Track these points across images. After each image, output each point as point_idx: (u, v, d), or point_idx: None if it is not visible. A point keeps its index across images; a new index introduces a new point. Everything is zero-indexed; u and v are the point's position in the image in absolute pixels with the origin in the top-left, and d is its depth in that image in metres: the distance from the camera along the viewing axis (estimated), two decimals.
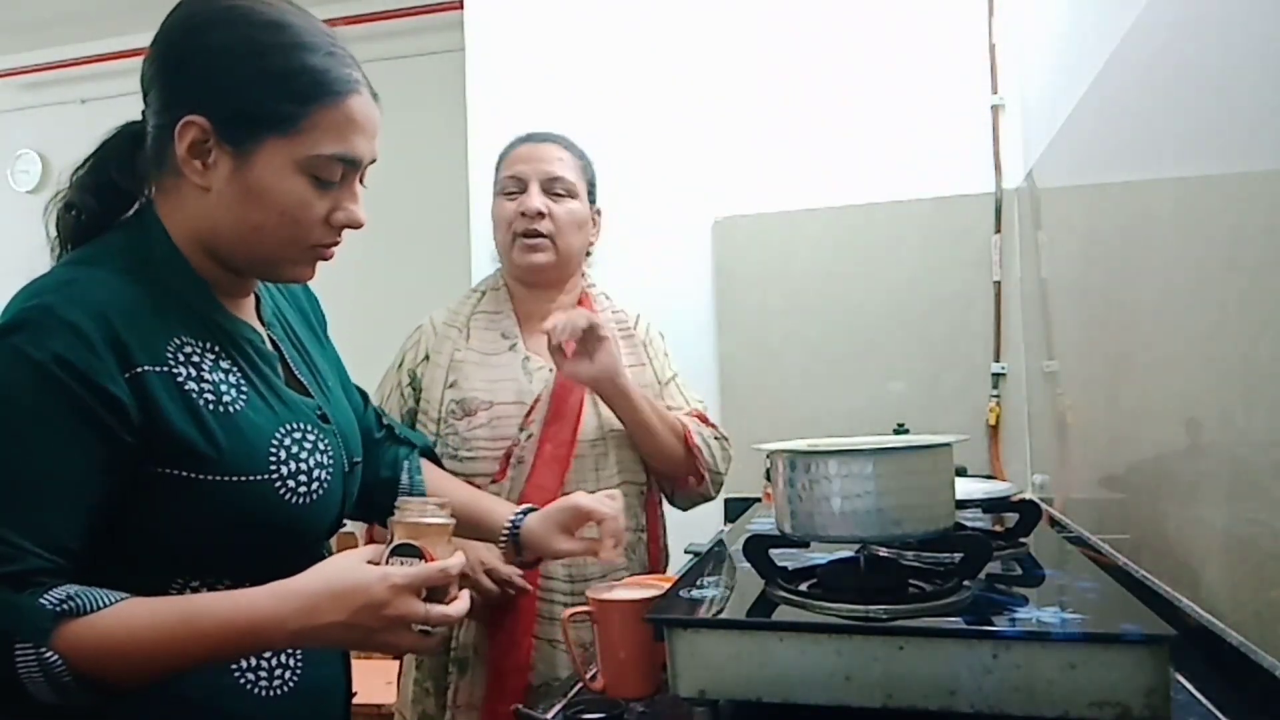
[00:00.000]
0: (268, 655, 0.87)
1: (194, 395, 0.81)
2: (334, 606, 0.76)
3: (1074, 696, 0.70)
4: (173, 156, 0.83)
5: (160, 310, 0.82)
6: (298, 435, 0.88)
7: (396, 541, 0.83)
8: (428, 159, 3.65)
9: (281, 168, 0.83)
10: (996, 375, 2.13)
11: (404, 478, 1.10)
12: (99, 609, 0.73)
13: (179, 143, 0.82)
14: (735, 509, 1.56)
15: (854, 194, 2.24)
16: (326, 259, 0.92)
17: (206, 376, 0.83)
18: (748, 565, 0.93)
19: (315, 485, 0.88)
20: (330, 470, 0.91)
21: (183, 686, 0.79)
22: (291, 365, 0.96)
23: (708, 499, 1.51)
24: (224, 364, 0.86)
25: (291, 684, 0.89)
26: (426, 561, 0.82)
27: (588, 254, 1.54)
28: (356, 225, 0.89)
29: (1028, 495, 1.95)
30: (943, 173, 2.18)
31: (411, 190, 3.74)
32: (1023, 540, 1.07)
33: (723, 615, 0.87)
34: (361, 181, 0.90)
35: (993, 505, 1.24)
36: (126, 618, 0.74)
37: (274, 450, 0.85)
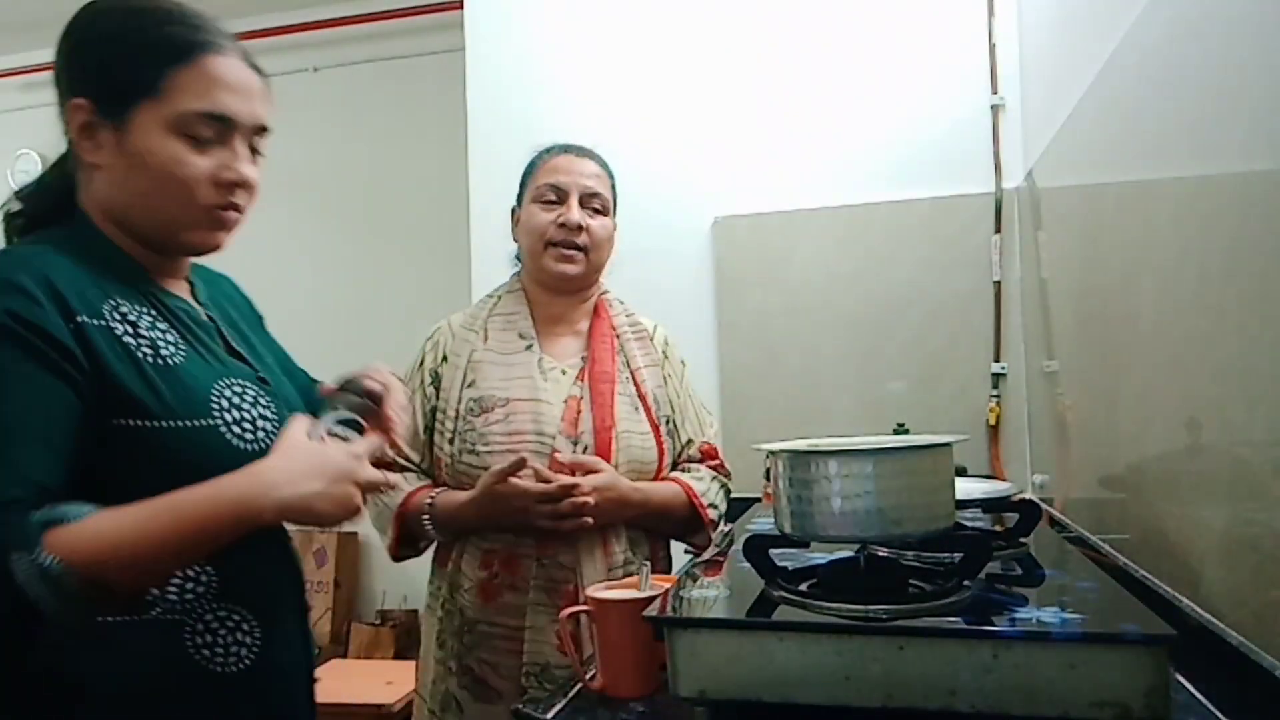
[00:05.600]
0: (223, 633, 0.89)
1: (132, 348, 0.86)
2: (311, 475, 0.85)
3: (1074, 696, 0.70)
4: (78, 148, 0.89)
5: (96, 280, 0.87)
6: (238, 389, 0.93)
7: (339, 415, 0.95)
8: (428, 159, 3.66)
9: (154, 130, 0.88)
10: (996, 375, 2.13)
11: None
12: (81, 517, 0.77)
13: (71, 127, 0.89)
14: (735, 509, 1.56)
15: (854, 194, 2.23)
16: (228, 225, 0.94)
17: (144, 334, 0.88)
18: (748, 565, 0.93)
19: (261, 433, 0.92)
20: (274, 423, 0.94)
21: (137, 663, 0.84)
22: (229, 339, 1.00)
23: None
24: (160, 325, 0.90)
25: (249, 661, 0.91)
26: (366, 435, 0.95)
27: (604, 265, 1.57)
28: (243, 183, 0.93)
29: (1028, 495, 1.95)
30: (943, 173, 2.18)
31: (411, 190, 3.74)
32: (1023, 540, 1.07)
33: (723, 615, 0.87)
34: (255, 149, 0.95)
35: (993, 505, 1.24)
36: (112, 516, 0.79)
37: (215, 399, 0.90)
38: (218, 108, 0.89)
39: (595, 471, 1.36)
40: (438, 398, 1.46)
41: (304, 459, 0.86)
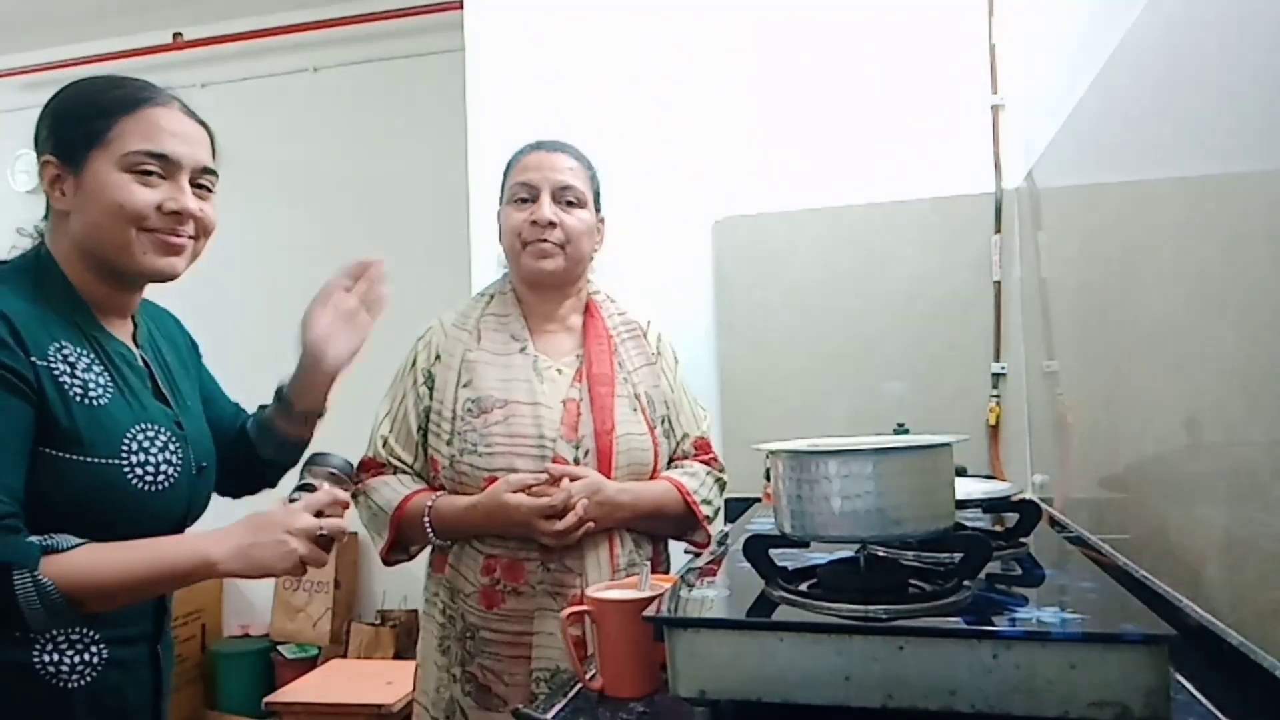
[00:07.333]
0: (71, 653, 0.99)
1: (66, 387, 0.98)
2: (249, 530, 1.00)
3: (1074, 696, 0.70)
4: (50, 198, 1.04)
5: (45, 321, 0.99)
6: (151, 434, 1.04)
7: (299, 481, 1.12)
8: (428, 159, 3.66)
9: (106, 171, 1.02)
10: (996, 375, 2.13)
11: (249, 424, 1.27)
12: (70, 548, 0.92)
13: (44, 181, 1.04)
14: (735, 509, 1.56)
15: (854, 194, 2.23)
16: (177, 251, 1.06)
17: (79, 375, 1.00)
18: (748, 565, 0.93)
19: (162, 478, 1.04)
20: (178, 469, 1.06)
21: None
22: (159, 381, 1.12)
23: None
24: (96, 368, 1.02)
25: (90, 679, 1.00)
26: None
27: (590, 259, 1.55)
28: (185, 211, 1.05)
29: (1028, 495, 1.95)
30: (943, 173, 2.18)
31: (411, 190, 3.74)
32: (1023, 540, 1.07)
33: (723, 615, 0.87)
34: (204, 186, 1.08)
35: (993, 505, 1.24)
36: (97, 552, 0.94)
37: (127, 442, 1.01)
38: (159, 147, 1.03)
39: (577, 478, 1.36)
40: (431, 398, 1.45)
41: (248, 520, 1.02)
